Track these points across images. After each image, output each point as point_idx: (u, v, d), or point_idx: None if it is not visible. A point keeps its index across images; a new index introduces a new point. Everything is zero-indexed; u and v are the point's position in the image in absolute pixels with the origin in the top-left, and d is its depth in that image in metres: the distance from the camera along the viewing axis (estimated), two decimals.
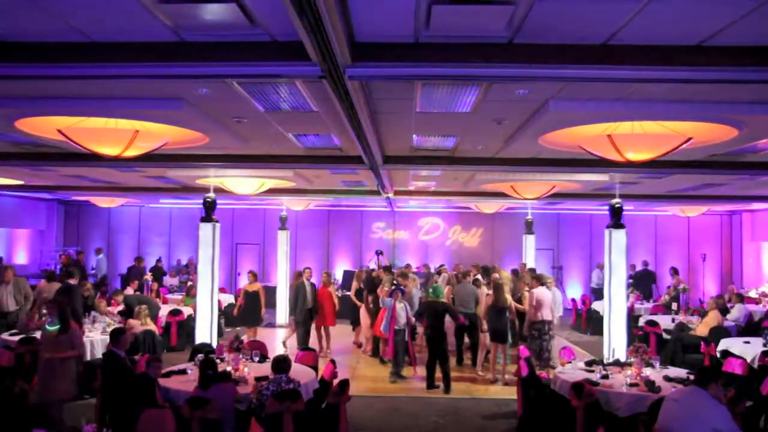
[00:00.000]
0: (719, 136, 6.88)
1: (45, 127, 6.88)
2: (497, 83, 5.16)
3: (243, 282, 19.43)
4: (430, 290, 10.05)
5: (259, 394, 5.96)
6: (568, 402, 6.65)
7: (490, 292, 10.50)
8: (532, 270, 13.09)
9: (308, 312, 11.64)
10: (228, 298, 15.78)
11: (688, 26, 3.92)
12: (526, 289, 10.13)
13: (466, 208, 19.11)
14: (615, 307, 10.07)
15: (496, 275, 11.14)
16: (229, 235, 19.78)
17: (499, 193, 13.34)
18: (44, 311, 10.64)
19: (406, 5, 3.67)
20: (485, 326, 10.33)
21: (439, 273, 13.73)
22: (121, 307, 11.80)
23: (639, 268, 17.88)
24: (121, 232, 20.54)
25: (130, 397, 6.08)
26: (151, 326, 10.79)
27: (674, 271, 16.73)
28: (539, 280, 10.19)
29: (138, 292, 13.68)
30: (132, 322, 10.43)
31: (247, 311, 12.33)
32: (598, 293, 17.09)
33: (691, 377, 6.85)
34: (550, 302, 9.94)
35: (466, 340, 11.51)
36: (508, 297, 10.08)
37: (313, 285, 11.97)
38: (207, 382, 5.96)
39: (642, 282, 17.26)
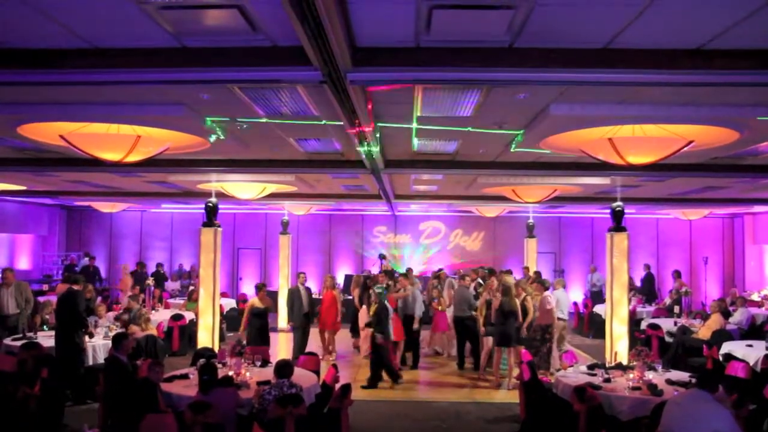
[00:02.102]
0: (720, 139, 6.89)
1: (47, 132, 6.90)
2: (498, 87, 5.17)
3: (241, 290, 19.41)
4: (379, 293, 10.26)
5: (260, 399, 5.95)
6: (570, 406, 6.64)
7: (489, 295, 10.48)
8: (538, 274, 13.03)
9: (305, 317, 11.62)
10: (230, 303, 15.78)
11: (688, 30, 3.93)
12: (524, 294, 10.13)
13: (467, 212, 19.11)
14: (617, 310, 10.05)
15: (493, 279, 11.13)
16: (230, 240, 19.78)
17: (501, 197, 13.35)
18: (46, 316, 10.68)
19: (407, 10, 3.68)
20: (482, 329, 10.37)
21: (437, 277, 13.66)
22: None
23: (641, 272, 17.89)
24: (123, 237, 20.56)
25: (132, 402, 6.08)
26: (152, 331, 10.80)
27: (677, 274, 16.72)
28: (544, 285, 10.18)
29: (142, 294, 13.70)
30: (134, 327, 10.44)
31: (255, 331, 10.42)
32: (593, 296, 17.14)
33: (694, 380, 6.83)
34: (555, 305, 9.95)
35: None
36: (516, 301, 10.05)
37: (308, 289, 11.92)
38: (206, 386, 5.96)
39: (645, 286, 17.28)
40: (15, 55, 4.37)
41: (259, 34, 4.03)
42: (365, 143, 6.85)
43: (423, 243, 20.20)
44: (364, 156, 7.68)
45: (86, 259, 18.54)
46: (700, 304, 17.36)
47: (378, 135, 7.24)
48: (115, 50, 4.35)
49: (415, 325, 11.34)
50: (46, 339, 9.24)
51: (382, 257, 16.66)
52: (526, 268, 15.53)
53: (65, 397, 7.93)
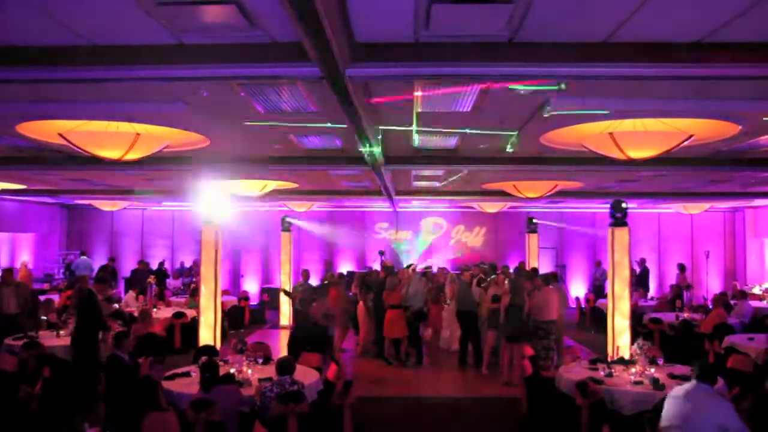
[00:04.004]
0: (721, 133, 6.88)
1: (46, 130, 6.90)
2: (498, 82, 5.15)
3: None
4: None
5: (262, 396, 5.95)
6: (572, 400, 6.64)
7: (496, 289, 10.46)
8: (534, 270, 13.01)
9: None
10: (231, 301, 15.78)
11: (689, 23, 3.91)
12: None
13: (468, 208, 19.10)
14: (618, 305, 10.04)
15: (501, 274, 11.11)
16: (232, 237, 19.76)
17: (502, 192, 13.34)
18: (43, 317, 10.71)
19: (406, 5, 3.66)
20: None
21: (425, 275, 13.61)
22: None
23: (636, 267, 17.93)
24: (124, 235, 20.54)
25: (133, 400, 6.08)
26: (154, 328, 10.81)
27: (682, 268, 16.72)
28: (545, 281, 10.15)
29: (141, 295, 13.70)
30: (135, 326, 10.45)
31: (314, 335, 9.10)
32: (596, 291, 17.21)
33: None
34: (554, 301, 9.90)
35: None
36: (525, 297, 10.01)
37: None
38: (207, 384, 5.95)
39: (638, 280, 17.29)
40: (12, 52, 4.35)
41: (258, 30, 4.01)
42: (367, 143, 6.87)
43: (424, 238, 20.18)
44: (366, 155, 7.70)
45: (83, 257, 18.54)
46: (701, 298, 17.35)
47: (380, 137, 7.25)
48: (113, 47, 4.33)
49: (414, 319, 11.35)
50: (48, 339, 9.24)
51: (381, 253, 16.68)
52: (522, 263, 15.56)
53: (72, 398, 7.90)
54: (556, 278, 11.88)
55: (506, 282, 10.37)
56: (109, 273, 16.53)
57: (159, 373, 6.38)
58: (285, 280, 16.07)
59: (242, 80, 5.01)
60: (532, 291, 9.90)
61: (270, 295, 17.68)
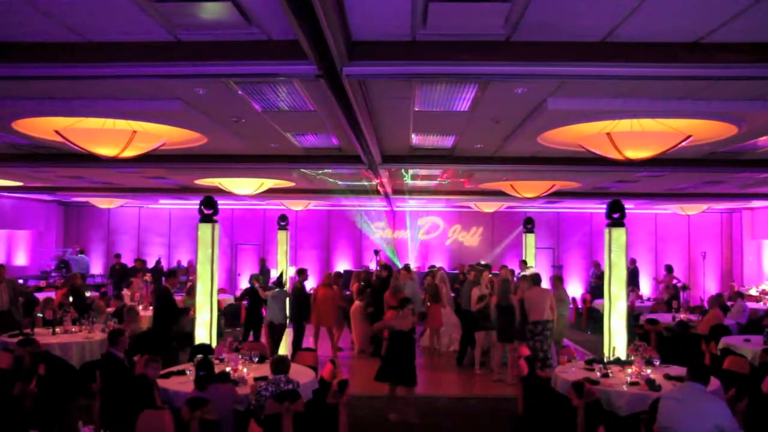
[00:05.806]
0: (718, 134, 6.87)
1: (42, 127, 6.87)
2: (495, 81, 5.14)
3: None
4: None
5: (257, 395, 5.93)
6: (568, 401, 6.63)
7: (481, 290, 10.46)
8: (534, 274, 12.97)
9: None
10: (227, 299, 15.75)
11: (686, 23, 3.90)
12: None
13: (465, 207, 19.09)
14: (615, 305, 10.04)
15: (486, 274, 11.12)
16: (228, 236, 19.76)
17: (499, 192, 13.33)
18: (38, 314, 10.66)
19: (403, 3, 3.65)
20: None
21: (432, 275, 13.61)
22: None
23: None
24: (120, 233, 20.49)
25: (128, 399, 6.06)
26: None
27: (669, 269, 16.80)
28: (533, 281, 10.14)
29: (138, 294, 13.66)
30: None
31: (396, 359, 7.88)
32: (593, 291, 17.26)
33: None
34: (546, 302, 9.87)
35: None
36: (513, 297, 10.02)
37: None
38: (202, 382, 5.93)
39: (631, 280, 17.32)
40: (7, 49, 4.33)
41: (254, 27, 4.00)
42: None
43: (421, 238, 20.18)
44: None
45: (81, 255, 18.44)
46: (698, 299, 17.37)
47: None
48: (109, 44, 4.31)
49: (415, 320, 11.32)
50: (44, 336, 9.21)
51: (376, 252, 16.69)
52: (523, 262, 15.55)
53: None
54: (560, 280, 11.83)
55: (496, 282, 10.41)
56: (119, 272, 16.60)
57: (154, 371, 6.36)
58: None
59: (238, 78, 4.99)
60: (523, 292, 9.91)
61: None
